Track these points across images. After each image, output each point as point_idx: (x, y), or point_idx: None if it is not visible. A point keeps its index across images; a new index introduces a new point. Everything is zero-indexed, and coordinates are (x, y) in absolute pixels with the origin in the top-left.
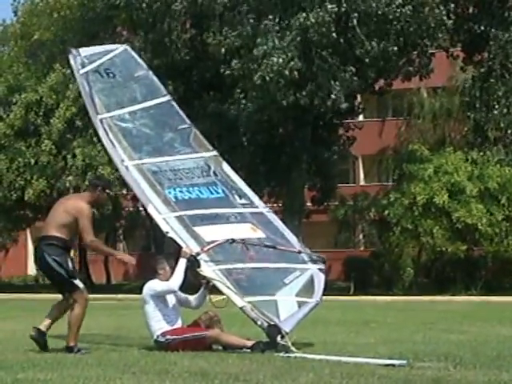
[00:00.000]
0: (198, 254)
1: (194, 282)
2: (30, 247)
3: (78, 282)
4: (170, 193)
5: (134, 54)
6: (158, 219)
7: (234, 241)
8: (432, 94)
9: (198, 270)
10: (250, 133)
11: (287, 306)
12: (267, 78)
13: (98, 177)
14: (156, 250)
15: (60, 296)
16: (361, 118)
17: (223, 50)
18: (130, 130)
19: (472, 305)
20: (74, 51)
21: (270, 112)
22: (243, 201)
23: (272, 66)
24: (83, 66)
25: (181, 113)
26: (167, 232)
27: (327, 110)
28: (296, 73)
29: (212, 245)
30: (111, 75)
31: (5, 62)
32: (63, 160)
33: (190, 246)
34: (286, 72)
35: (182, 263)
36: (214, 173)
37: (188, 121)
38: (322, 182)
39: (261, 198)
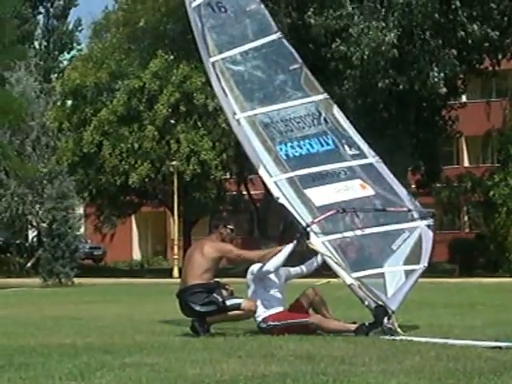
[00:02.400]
0: (308, 225)
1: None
2: (135, 232)
3: (231, 301)
4: (281, 149)
5: None
6: (269, 183)
7: (344, 210)
8: None
9: (308, 242)
10: (354, 115)
11: (395, 278)
12: (365, 57)
13: (216, 217)
14: (260, 233)
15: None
16: (464, 99)
17: (324, 31)
18: (242, 73)
19: None
20: None
21: (373, 94)
22: (353, 151)
23: (370, 44)
24: None
25: (292, 51)
26: (278, 198)
27: (427, 94)
28: (396, 51)
29: (323, 216)
30: (223, 9)
31: (107, 49)
32: (167, 145)
33: (300, 213)
34: (387, 50)
35: (289, 247)
36: (325, 120)
37: (300, 59)
38: (426, 164)
39: None
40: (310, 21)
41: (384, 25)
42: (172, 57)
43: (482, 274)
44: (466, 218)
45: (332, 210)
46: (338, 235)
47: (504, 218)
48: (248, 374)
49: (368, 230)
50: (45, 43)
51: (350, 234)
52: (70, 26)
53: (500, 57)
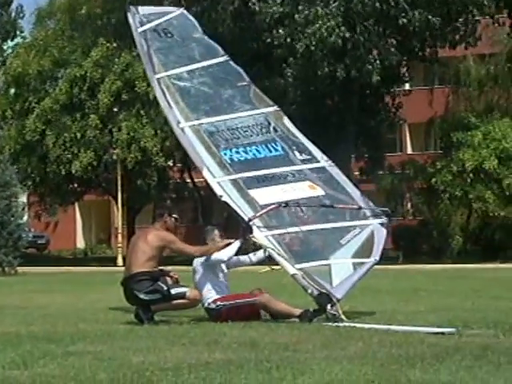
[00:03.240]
0: (251, 219)
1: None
2: (79, 220)
3: (176, 290)
4: (225, 154)
5: (190, 17)
6: (213, 183)
7: (287, 204)
8: (478, 61)
9: (251, 236)
10: (297, 104)
11: (341, 270)
12: (311, 47)
13: (161, 206)
14: (204, 221)
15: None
16: (407, 87)
17: (267, 18)
18: (188, 89)
19: None
20: (132, 9)
21: (316, 82)
22: (303, 156)
23: (315, 34)
24: (142, 25)
25: (240, 70)
26: (221, 196)
27: (363, 82)
28: (340, 41)
29: (264, 210)
30: (169, 35)
31: (50, 37)
32: (109, 134)
33: (243, 209)
34: (331, 39)
35: (237, 243)
36: (274, 129)
37: (247, 78)
38: (370, 151)
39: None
40: (254, 7)
41: (328, 11)
42: (114, 44)
43: (426, 261)
44: (409, 205)
45: (274, 205)
46: (282, 230)
47: (447, 205)
48: (192, 361)
49: (315, 226)
50: None
51: (294, 229)
52: (13, 14)
53: (441, 44)
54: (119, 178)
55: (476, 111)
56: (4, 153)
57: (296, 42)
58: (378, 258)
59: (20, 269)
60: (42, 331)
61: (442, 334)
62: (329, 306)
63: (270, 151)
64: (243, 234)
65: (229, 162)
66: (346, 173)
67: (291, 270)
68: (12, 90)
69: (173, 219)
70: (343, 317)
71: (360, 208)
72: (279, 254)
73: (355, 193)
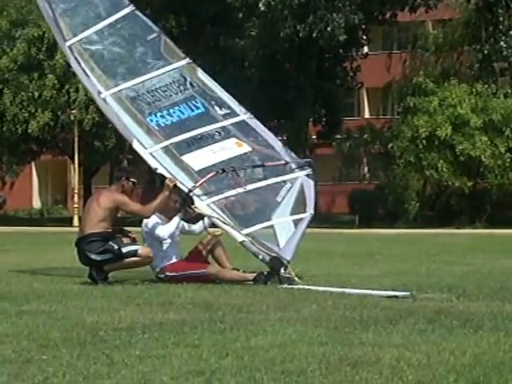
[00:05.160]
0: (191, 190)
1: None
2: (35, 180)
3: (127, 249)
4: (151, 120)
5: None
6: (145, 155)
7: (224, 170)
8: (437, 26)
9: (193, 207)
10: (256, 66)
11: (285, 229)
12: (272, 3)
13: (120, 168)
14: (161, 183)
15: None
16: (366, 50)
17: None
18: (100, 52)
19: (476, 238)
20: None
21: (276, 44)
22: (223, 111)
23: None
24: None
25: (147, 21)
26: (156, 168)
27: (326, 43)
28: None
29: (203, 180)
30: None
31: None
32: (67, 94)
33: (180, 180)
34: None
35: (177, 218)
36: (191, 84)
37: (156, 28)
38: (328, 115)
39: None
40: None
41: None
42: None
43: (381, 225)
44: (365, 170)
45: (212, 173)
46: (222, 195)
47: (402, 170)
48: (146, 321)
49: (250, 186)
50: None
51: (233, 192)
52: None
53: (401, 7)
54: (76, 138)
55: (434, 76)
56: None
57: (258, 2)
58: (312, 211)
59: None
60: None
61: (396, 297)
62: (282, 270)
63: (192, 110)
64: (184, 205)
65: (156, 128)
66: (304, 136)
67: (239, 237)
68: None
69: (130, 183)
70: (296, 279)
71: (287, 163)
72: (224, 223)
73: (278, 145)
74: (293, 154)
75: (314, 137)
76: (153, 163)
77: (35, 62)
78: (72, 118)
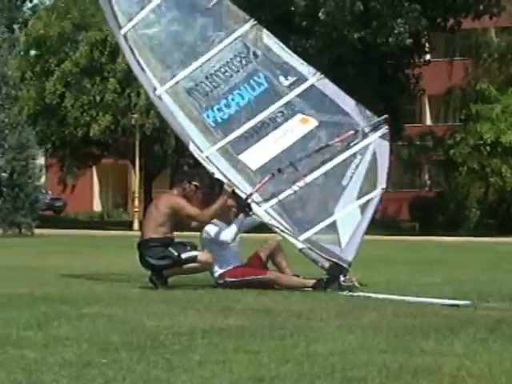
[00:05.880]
0: (248, 197)
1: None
2: (96, 184)
3: (187, 254)
4: (208, 116)
5: None
6: (202, 159)
7: (280, 170)
8: (500, 33)
9: (252, 214)
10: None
11: (348, 222)
12: (330, 11)
13: (184, 172)
14: (220, 188)
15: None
16: (428, 58)
17: None
18: (157, 35)
19: None
20: None
21: (339, 49)
22: (289, 80)
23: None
24: None
25: None
26: (213, 173)
27: (391, 47)
28: (361, 5)
29: (258, 185)
30: None
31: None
32: (128, 98)
33: (237, 184)
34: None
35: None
36: (254, 53)
37: None
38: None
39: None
40: None
41: None
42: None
43: (442, 233)
44: (426, 177)
45: (267, 176)
46: (281, 196)
47: (464, 177)
48: (206, 326)
49: (313, 175)
50: None
51: (291, 190)
52: None
53: (465, 15)
54: (137, 143)
55: (496, 84)
56: (22, 114)
57: (318, 10)
58: (384, 185)
59: (37, 230)
60: (57, 293)
61: (457, 306)
62: (341, 277)
63: (254, 89)
64: (243, 211)
65: (213, 125)
66: None
67: (298, 244)
68: (32, 52)
69: (192, 187)
70: (357, 284)
71: (356, 131)
72: (283, 231)
73: (350, 105)
74: (367, 112)
75: None
76: (210, 167)
77: (97, 66)
78: (133, 122)
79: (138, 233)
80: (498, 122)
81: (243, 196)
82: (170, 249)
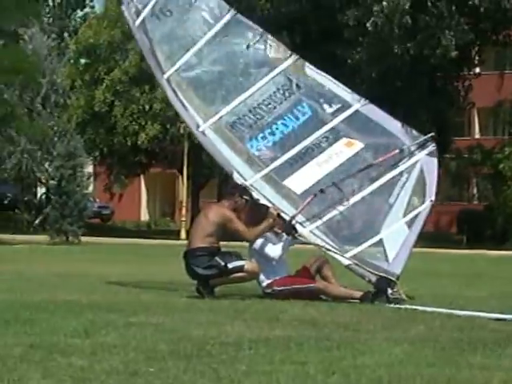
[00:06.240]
0: (292, 219)
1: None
2: (144, 192)
3: (233, 264)
4: (251, 146)
5: None
6: (246, 187)
7: (322, 191)
8: None
9: (297, 235)
10: (367, 83)
11: (395, 238)
12: (379, 23)
13: (235, 185)
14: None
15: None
16: (477, 70)
17: None
18: (199, 76)
19: None
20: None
21: (387, 61)
22: (333, 107)
23: (383, 11)
24: (138, 14)
25: (249, 23)
26: (258, 199)
27: (437, 60)
28: (409, 19)
29: (302, 206)
30: (168, 13)
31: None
32: None
33: (283, 209)
34: (396, 17)
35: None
36: (297, 85)
37: (259, 28)
38: (437, 134)
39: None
40: None
41: None
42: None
43: (490, 246)
44: (475, 190)
45: (310, 197)
46: (325, 218)
47: None
48: (252, 336)
49: (357, 196)
50: (58, 0)
51: (336, 211)
52: None
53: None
54: (185, 151)
55: None
56: (71, 122)
57: (366, 21)
58: (433, 197)
59: (84, 238)
60: (104, 301)
61: (504, 320)
62: (389, 290)
63: (298, 118)
64: (288, 233)
65: (257, 154)
66: None
67: (344, 261)
68: (82, 60)
69: (244, 200)
70: (404, 296)
71: (402, 150)
72: (329, 249)
73: (396, 127)
74: (414, 132)
75: None
76: (255, 194)
77: (146, 75)
78: (181, 131)
79: (185, 242)
80: None
81: (288, 218)
82: (217, 258)
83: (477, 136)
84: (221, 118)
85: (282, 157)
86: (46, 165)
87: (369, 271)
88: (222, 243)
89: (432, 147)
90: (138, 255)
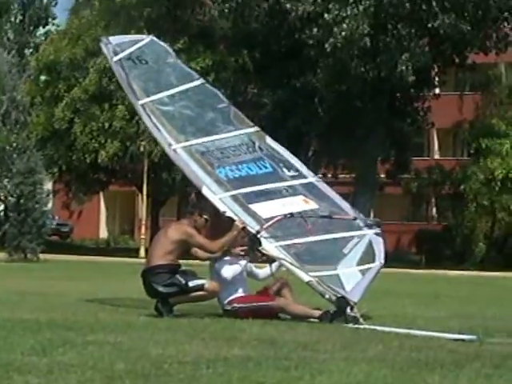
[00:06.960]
0: (258, 232)
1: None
2: (103, 210)
3: (194, 283)
4: (220, 172)
5: (161, 43)
6: (214, 200)
7: (292, 215)
8: (510, 68)
9: (260, 248)
10: (327, 103)
11: (351, 278)
12: (338, 45)
13: (194, 204)
14: (228, 217)
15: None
16: (437, 91)
17: (298, 13)
18: (171, 113)
19: None
20: (104, 39)
21: (347, 82)
22: (292, 173)
23: (342, 33)
24: (116, 54)
25: (218, 93)
26: (225, 211)
27: (397, 81)
28: (368, 41)
29: (271, 222)
30: (144, 62)
31: (84, 25)
32: (136, 125)
33: (248, 224)
34: (358, 39)
35: (244, 261)
36: (260, 148)
37: (225, 100)
38: (397, 154)
39: (335, 168)
40: (286, 5)
41: (357, 12)
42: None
43: (448, 266)
44: (434, 210)
45: (280, 215)
46: (289, 241)
47: (472, 212)
48: (210, 356)
49: (317, 237)
50: (20, 17)
51: (301, 240)
52: (45, 1)
53: (471, 50)
54: (145, 169)
55: (506, 119)
56: (31, 139)
57: (325, 41)
58: (382, 261)
59: (42, 256)
60: (62, 319)
61: (463, 340)
62: (348, 309)
63: (261, 169)
64: (252, 247)
65: (225, 179)
66: (372, 175)
67: (306, 277)
68: (43, 77)
69: (203, 219)
70: (361, 320)
71: (355, 218)
72: (291, 264)
73: (345, 205)
74: (361, 215)
75: (382, 175)
76: (221, 207)
77: (106, 93)
78: (141, 149)
79: (145, 260)
80: (508, 158)
81: (253, 232)
82: (178, 276)
83: (436, 156)
84: (191, 145)
85: (248, 188)
86: (5, 181)
87: (328, 290)
88: (180, 261)
89: (379, 230)
90: (96, 273)
